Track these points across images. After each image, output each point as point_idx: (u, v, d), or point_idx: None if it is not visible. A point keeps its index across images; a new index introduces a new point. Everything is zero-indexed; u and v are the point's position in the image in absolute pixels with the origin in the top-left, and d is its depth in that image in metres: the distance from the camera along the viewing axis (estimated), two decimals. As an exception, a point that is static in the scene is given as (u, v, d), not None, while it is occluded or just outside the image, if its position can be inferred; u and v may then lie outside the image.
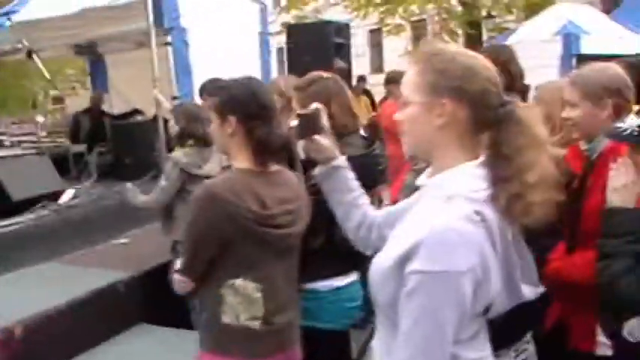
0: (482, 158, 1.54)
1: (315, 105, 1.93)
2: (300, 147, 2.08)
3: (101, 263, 4.73)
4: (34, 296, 3.97)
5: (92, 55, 10.00)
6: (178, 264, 2.08)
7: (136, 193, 3.97)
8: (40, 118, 8.59)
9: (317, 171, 1.94)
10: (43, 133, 9.93)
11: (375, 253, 1.61)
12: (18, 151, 7.03)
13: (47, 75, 6.72)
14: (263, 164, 2.11)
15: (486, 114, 1.52)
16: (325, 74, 2.88)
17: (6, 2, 8.68)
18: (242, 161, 2.11)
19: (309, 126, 1.90)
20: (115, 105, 9.58)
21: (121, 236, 5.21)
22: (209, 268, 2.05)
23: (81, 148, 8.19)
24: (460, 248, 1.40)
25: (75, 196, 6.19)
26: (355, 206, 1.93)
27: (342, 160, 1.93)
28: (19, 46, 6.83)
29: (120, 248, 5.08)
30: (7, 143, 8.07)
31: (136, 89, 8.41)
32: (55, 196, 5.90)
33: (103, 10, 7.37)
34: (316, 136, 1.88)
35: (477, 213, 1.44)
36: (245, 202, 2.00)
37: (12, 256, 4.81)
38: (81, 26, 7.84)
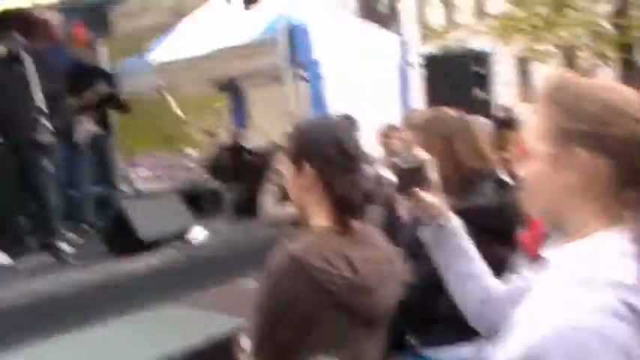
0: (628, 226, 1.14)
1: (419, 153, 1.58)
2: (401, 203, 1.74)
3: (224, 308, 4.58)
4: (147, 341, 3.83)
5: (232, 91, 10.16)
6: (245, 343, 1.76)
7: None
8: (190, 151, 8.77)
9: (421, 232, 1.60)
10: (192, 165, 10.20)
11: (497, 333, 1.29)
12: (154, 186, 7.06)
13: (180, 113, 6.71)
14: (345, 222, 1.78)
15: (634, 166, 1.14)
16: (447, 110, 2.52)
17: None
18: (321, 218, 1.79)
19: (411, 179, 1.57)
20: (253, 141, 9.61)
21: (248, 279, 5.03)
22: (285, 350, 1.71)
23: (217, 184, 8.20)
24: (599, 354, 1.01)
25: (205, 235, 6.10)
26: (472, 278, 1.56)
27: (451, 220, 1.57)
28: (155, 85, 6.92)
29: (245, 292, 4.90)
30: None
31: (273, 124, 8.37)
32: (185, 234, 5.81)
33: (238, 48, 7.37)
34: (419, 191, 1.54)
35: (625, 303, 1.05)
36: (336, 268, 1.67)
37: (133, 296, 4.74)
38: (218, 64, 7.92)
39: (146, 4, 8.32)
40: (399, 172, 1.62)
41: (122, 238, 5.54)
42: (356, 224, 1.80)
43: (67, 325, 4.26)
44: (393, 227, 2.41)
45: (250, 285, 4.92)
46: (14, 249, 5.85)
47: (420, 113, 4.28)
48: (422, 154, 1.63)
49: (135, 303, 4.65)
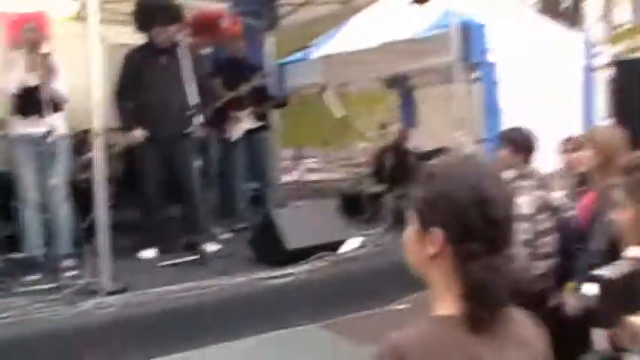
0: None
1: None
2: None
3: (368, 333, 4.13)
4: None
5: (402, 88, 9.68)
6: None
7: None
8: (362, 145, 8.42)
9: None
10: (363, 159, 9.86)
11: None
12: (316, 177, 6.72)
13: (339, 113, 6.32)
14: (477, 313, 1.24)
15: None
16: None
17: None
18: (446, 302, 1.27)
19: (615, 297, 1.02)
20: (421, 142, 9.06)
21: (401, 300, 4.57)
22: None
23: (378, 188, 7.76)
24: None
25: (360, 246, 5.67)
26: None
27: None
28: (319, 80, 6.58)
29: (396, 316, 4.44)
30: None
31: (442, 126, 7.80)
32: (337, 246, 5.41)
33: (407, 43, 6.85)
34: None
35: None
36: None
37: (276, 312, 4.41)
38: (386, 60, 7.48)
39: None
40: (605, 285, 1.06)
41: (269, 245, 5.25)
42: (494, 315, 1.27)
43: (197, 337, 4.03)
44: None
45: (406, 310, 4.47)
46: (161, 245, 5.75)
47: (604, 132, 3.60)
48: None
49: (273, 320, 4.32)
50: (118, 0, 7.31)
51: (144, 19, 5.62)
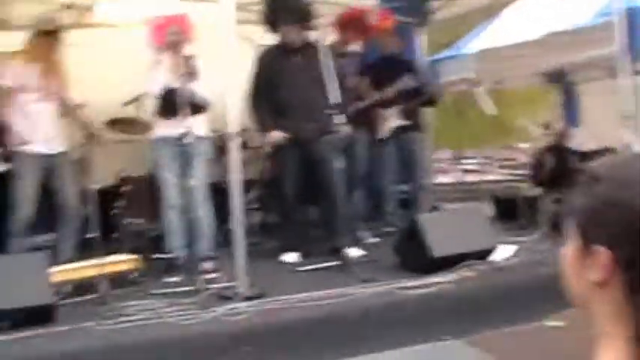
0: None
1: None
2: None
3: (518, 351, 3.76)
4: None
5: (563, 84, 9.03)
6: None
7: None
8: (522, 145, 7.99)
9: None
10: (524, 160, 9.39)
11: None
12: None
13: (493, 110, 5.91)
14: None
15: None
16: None
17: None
18: (613, 345, 0.93)
19: None
20: (583, 142, 8.38)
21: (554, 317, 4.13)
22: None
23: (536, 191, 7.23)
24: None
25: (513, 255, 5.24)
26: None
27: None
28: (470, 76, 6.21)
29: (549, 334, 4.01)
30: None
31: (606, 124, 7.16)
32: (487, 255, 5.02)
33: (568, 34, 6.31)
34: None
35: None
36: None
37: (417, 324, 4.11)
38: (544, 53, 6.97)
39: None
40: None
41: (414, 252, 4.95)
42: None
43: (332, 348, 3.81)
44: None
45: (554, 324, 4.03)
46: (304, 249, 5.61)
47: None
48: None
49: (414, 332, 4.02)
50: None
51: (272, 19, 5.51)
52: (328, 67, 5.08)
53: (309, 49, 5.33)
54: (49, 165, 5.25)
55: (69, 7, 6.76)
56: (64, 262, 4.84)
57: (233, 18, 4.42)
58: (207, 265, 4.96)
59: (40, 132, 5.16)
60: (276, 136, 5.45)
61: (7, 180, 6.32)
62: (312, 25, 5.42)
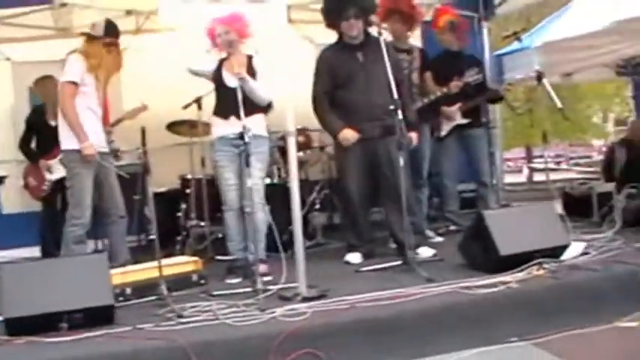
0: None
1: None
2: None
3: (590, 354, 3.58)
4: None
5: (636, 74, 8.69)
6: None
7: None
8: (595, 141, 7.73)
9: None
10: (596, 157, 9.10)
11: None
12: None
13: (558, 103, 5.66)
14: None
15: None
16: None
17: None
18: None
19: None
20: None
21: (630, 317, 3.92)
22: None
23: (608, 187, 6.93)
24: None
25: (584, 252, 5.01)
26: None
27: None
28: (536, 70, 5.96)
29: (622, 334, 3.81)
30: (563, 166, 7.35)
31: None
32: (557, 252, 4.80)
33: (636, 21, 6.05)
34: None
35: None
36: None
37: (484, 325, 3.95)
38: (615, 43, 6.68)
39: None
40: None
41: (480, 251, 4.79)
42: None
43: (394, 350, 3.70)
44: None
45: (634, 328, 3.82)
46: (368, 248, 5.51)
47: None
48: None
49: (480, 334, 3.87)
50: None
51: (332, 14, 5.38)
52: (391, 63, 4.96)
53: (371, 45, 5.17)
54: (99, 164, 5.22)
55: (129, 13, 6.87)
56: (121, 266, 4.86)
57: (285, 17, 4.36)
58: (263, 267, 4.90)
59: (94, 131, 5.17)
60: (350, 134, 5.31)
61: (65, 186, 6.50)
62: (373, 19, 5.26)
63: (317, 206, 6.75)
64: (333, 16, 5.38)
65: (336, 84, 5.35)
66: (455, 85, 6.24)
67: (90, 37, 5.26)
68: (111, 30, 5.30)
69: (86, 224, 5.11)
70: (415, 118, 5.65)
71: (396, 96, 4.80)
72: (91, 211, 5.13)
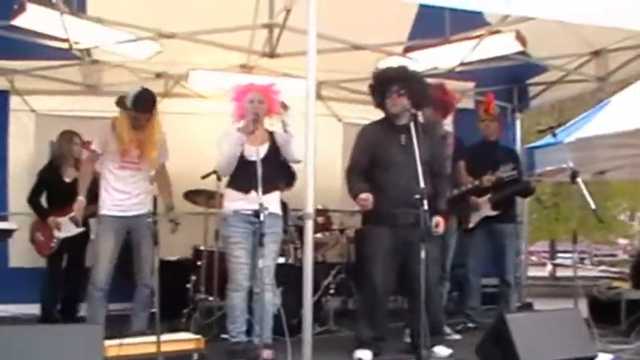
0: None
1: None
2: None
3: None
4: None
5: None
6: None
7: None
8: (622, 241, 7.47)
9: None
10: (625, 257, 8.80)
11: None
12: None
13: (592, 204, 5.42)
14: None
15: None
16: None
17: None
18: None
19: None
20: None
21: None
22: None
23: (638, 294, 6.61)
24: None
25: (611, 365, 4.70)
26: None
27: None
28: (572, 167, 5.76)
29: None
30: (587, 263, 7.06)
31: None
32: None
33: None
34: None
35: None
36: None
37: None
38: None
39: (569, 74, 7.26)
40: None
41: (499, 355, 4.48)
42: None
43: None
44: None
45: None
46: (379, 345, 5.20)
47: None
48: None
49: None
50: (356, 80, 7.21)
51: (377, 89, 5.22)
52: (434, 149, 4.75)
53: (415, 128, 4.87)
54: (128, 228, 5.35)
55: (159, 76, 6.82)
56: (137, 334, 4.77)
57: (314, 94, 4.20)
58: (267, 353, 4.62)
59: (122, 194, 5.31)
60: (369, 199, 5.01)
61: (83, 244, 6.35)
62: (420, 99, 5.09)
63: (332, 290, 6.48)
64: (379, 92, 5.21)
65: (374, 162, 5.12)
66: (487, 180, 6.04)
67: (120, 104, 5.34)
68: (139, 104, 5.28)
69: (99, 288, 5.17)
70: (445, 206, 5.38)
71: (423, 185, 4.58)
72: (107, 276, 5.21)
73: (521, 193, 6.62)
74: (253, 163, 4.61)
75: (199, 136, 6.92)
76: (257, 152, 4.64)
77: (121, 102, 5.32)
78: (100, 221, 5.35)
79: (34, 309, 6.47)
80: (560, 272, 16.08)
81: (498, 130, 6.55)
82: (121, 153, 5.29)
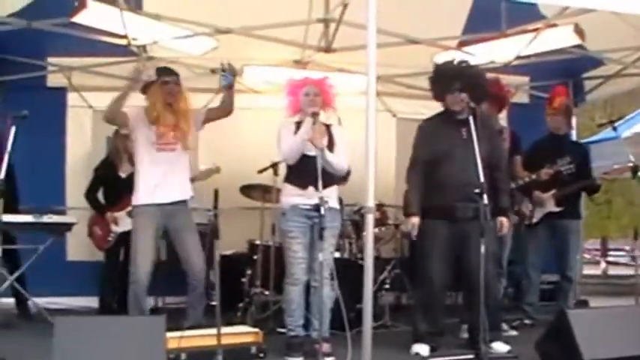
0: None
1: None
2: None
3: None
4: None
5: None
6: None
7: None
8: None
9: None
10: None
11: None
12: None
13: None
14: None
15: None
16: None
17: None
18: None
19: None
20: None
21: None
22: None
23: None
24: None
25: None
26: None
27: None
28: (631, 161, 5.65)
29: None
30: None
31: None
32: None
33: None
34: None
35: None
36: None
37: None
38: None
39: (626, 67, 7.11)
40: None
41: (560, 352, 4.41)
42: None
43: None
44: None
45: None
46: (436, 339, 5.17)
47: None
48: None
49: None
50: (411, 74, 7.17)
51: (438, 85, 5.17)
52: (493, 143, 4.71)
53: (475, 122, 4.83)
54: (167, 215, 5.09)
55: (213, 72, 6.87)
56: (192, 327, 4.71)
57: (374, 90, 4.19)
58: (326, 346, 4.62)
59: (163, 180, 5.07)
60: (411, 225, 5.05)
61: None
62: (480, 95, 5.05)
63: (386, 285, 6.47)
64: (439, 87, 5.16)
65: (435, 156, 5.08)
66: (545, 173, 5.95)
67: (146, 87, 5.20)
68: (163, 70, 5.24)
69: (140, 282, 4.95)
70: (508, 203, 5.32)
71: (482, 179, 4.55)
72: (147, 270, 4.97)
73: (588, 189, 6.49)
74: (313, 157, 4.62)
75: (254, 131, 6.95)
76: (315, 147, 4.66)
77: (146, 85, 5.21)
78: (139, 212, 5.06)
79: (93, 302, 6.60)
80: (613, 270, 15.81)
81: (566, 124, 6.44)
82: (157, 135, 5.04)
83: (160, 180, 5.05)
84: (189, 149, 5.16)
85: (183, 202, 5.16)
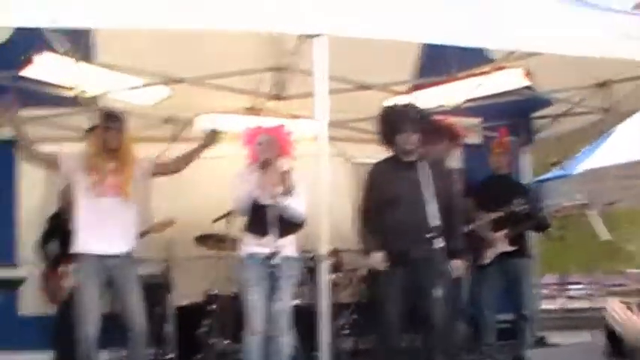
0: None
1: None
2: None
3: None
4: None
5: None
6: None
7: None
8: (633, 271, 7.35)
9: None
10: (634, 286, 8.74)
11: None
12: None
13: (606, 234, 5.41)
14: None
15: None
16: None
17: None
18: None
19: None
20: None
21: None
22: None
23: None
24: None
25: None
26: None
27: None
28: (582, 199, 5.76)
29: None
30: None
31: None
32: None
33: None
34: None
35: None
36: None
37: None
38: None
39: (574, 107, 7.27)
40: None
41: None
42: None
43: None
44: None
45: None
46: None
47: None
48: None
49: None
50: (364, 119, 7.22)
51: (387, 127, 5.19)
52: (444, 185, 4.76)
53: (424, 165, 4.87)
54: (110, 268, 4.86)
55: (166, 121, 6.83)
56: None
57: (326, 135, 4.21)
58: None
59: (101, 229, 4.84)
60: (378, 259, 5.01)
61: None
62: (430, 136, 5.10)
63: (345, 331, 6.42)
64: (389, 128, 5.15)
65: (385, 200, 5.09)
66: (504, 214, 6.04)
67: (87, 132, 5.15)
68: (105, 113, 5.16)
69: (88, 339, 4.70)
70: (462, 245, 5.36)
71: (438, 222, 4.57)
72: (95, 326, 4.73)
73: (538, 227, 6.59)
74: (269, 206, 4.61)
75: (209, 181, 6.89)
76: (271, 196, 4.66)
77: (91, 129, 5.14)
78: (80, 263, 4.83)
79: (46, 357, 6.39)
80: (571, 304, 15.97)
81: (508, 163, 6.56)
82: (93, 182, 4.85)
83: (96, 228, 4.83)
84: (129, 197, 4.95)
85: (126, 253, 4.95)
